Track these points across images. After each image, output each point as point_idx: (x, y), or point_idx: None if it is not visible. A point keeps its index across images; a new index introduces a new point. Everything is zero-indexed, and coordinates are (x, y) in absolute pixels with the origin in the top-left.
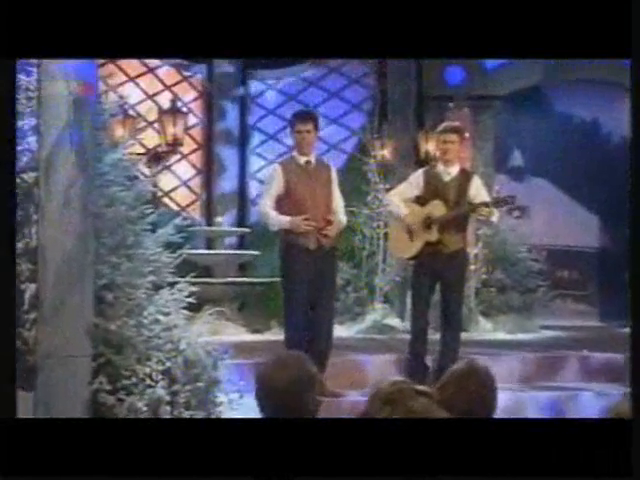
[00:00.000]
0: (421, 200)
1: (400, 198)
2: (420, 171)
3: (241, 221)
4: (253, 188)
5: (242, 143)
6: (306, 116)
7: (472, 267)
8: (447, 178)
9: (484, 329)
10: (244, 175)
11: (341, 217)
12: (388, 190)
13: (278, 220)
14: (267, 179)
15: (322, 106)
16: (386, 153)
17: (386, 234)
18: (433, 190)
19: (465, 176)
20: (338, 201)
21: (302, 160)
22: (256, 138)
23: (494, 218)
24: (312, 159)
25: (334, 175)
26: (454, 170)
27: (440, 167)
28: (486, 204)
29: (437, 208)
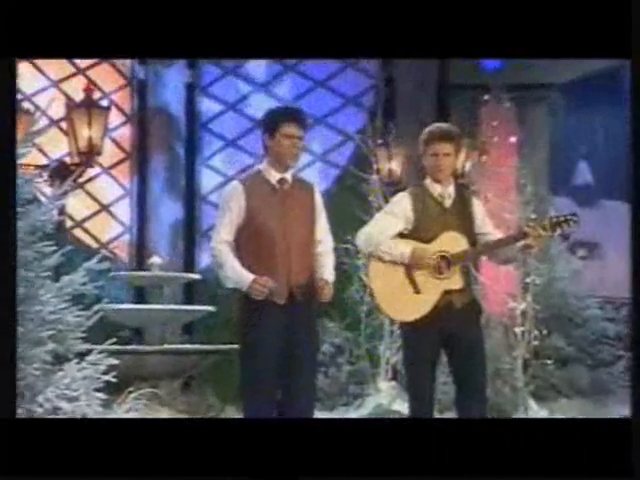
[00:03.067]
0: (421, 235)
1: (386, 236)
2: (403, 195)
3: (188, 263)
4: (205, 215)
5: (190, 152)
6: (298, 116)
7: (518, 330)
8: (448, 202)
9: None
10: (192, 197)
11: (328, 267)
12: None
13: (237, 276)
14: (222, 203)
15: (303, 100)
16: (394, 166)
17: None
18: (431, 220)
19: (463, 197)
20: (324, 237)
21: (274, 177)
22: (209, 144)
23: (533, 244)
24: (288, 176)
25: (318, 199)
26: (451, 190)
27: (435, 187)
28: (555, 223)
29: (454, 242)
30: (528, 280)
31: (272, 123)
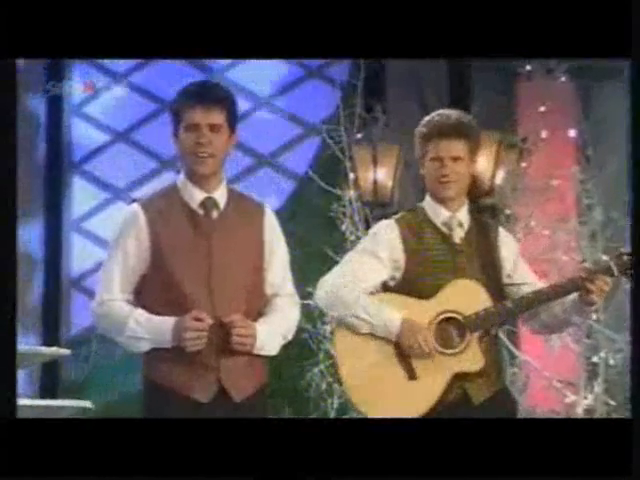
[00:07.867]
0: (414, 288)
1: (362, 289)
2: (388, 225)
3: (54, 331)
4: (78, 252)
5: (53, 151)
6: (208, 94)
7: None
8: (459, 235)
9: None
10: (57, 223)
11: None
12: None
13: (151, 327)
14: (115, 239)
15: (236, 70)
16: (382, 177)
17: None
18: (431, 264)
19: (483, 226)
20: (281, 286)
21: (196, 198)
22: (86, 139)
23: (597, 296)
24: (219, 195)
25: (272, 227)
26: (464, 215)
27: (438, 211)
28: (622, 267)
29: (467, 296)
30: (596, 359)
31: (174, 113)
